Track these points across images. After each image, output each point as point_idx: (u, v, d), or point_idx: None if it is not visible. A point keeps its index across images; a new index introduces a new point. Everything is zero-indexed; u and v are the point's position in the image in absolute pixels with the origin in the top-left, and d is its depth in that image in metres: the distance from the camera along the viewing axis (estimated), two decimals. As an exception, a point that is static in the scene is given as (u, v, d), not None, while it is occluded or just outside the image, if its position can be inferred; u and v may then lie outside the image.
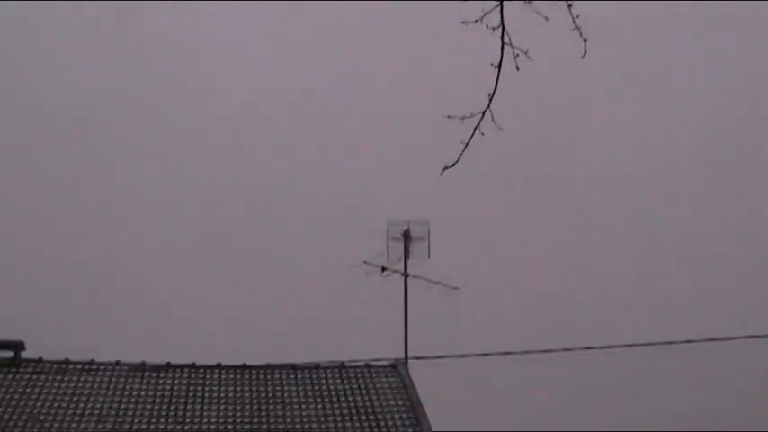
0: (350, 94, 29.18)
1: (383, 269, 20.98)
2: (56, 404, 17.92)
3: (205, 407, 18.21)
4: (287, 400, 18.55)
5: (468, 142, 6.85)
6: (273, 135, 29.72)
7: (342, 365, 19.84)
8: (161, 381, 19.04)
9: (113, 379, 18.91)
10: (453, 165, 7.00)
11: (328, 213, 28.45)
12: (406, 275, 20.98)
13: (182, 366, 19.54)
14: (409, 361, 20.09)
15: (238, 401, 18.47)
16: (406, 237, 21.18)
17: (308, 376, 19.51)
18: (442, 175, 7.08)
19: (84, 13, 27.72)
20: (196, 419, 17.82)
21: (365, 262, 20.88)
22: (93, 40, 29.61)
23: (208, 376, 19.31)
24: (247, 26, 30.82)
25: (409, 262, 21.14)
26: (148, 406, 18.09)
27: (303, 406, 18.39)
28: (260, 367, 19.66)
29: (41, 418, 17.47)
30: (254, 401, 18.51)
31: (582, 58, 6.96)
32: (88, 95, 29.15)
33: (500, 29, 6.72)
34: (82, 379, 18.80)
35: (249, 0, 27.31)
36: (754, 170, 29.58)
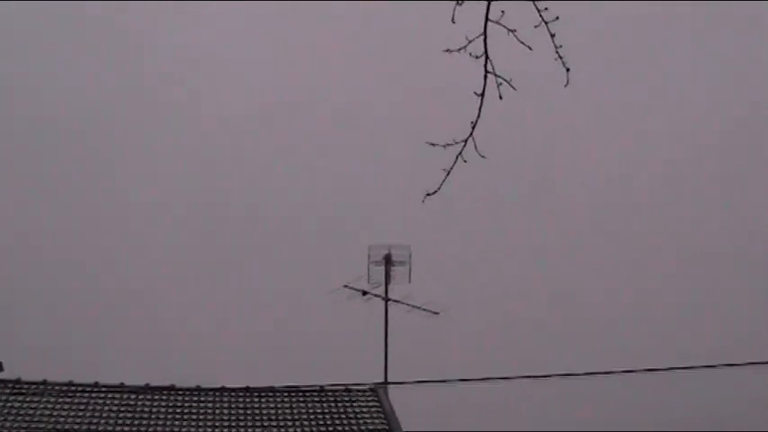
0: (333, 119, 29.25)
1: (364, 293, 21.01)
2: (33, 426, 17.80)
3: (183, 429, 18.13)
4: (266, 424, 18.49)
5: (451, 170, 6.88)
6: (255, 160, 29.72)
7: (321, 389, 19.80)
8: (140, 402, 18.96)
9: (92, 400, 18.82)
10: (435, 192, 7.03)
11: (310, 237, 28.46)
12: (386, 300, 20.99)
13: (160, 388, 19.47)
14: (389, 385, 20.07)
15: (217, 424, 18.39)
16: (388, 261, 21.21)
17: (287, 399, 19.45)
18: (423, 202, 7.10)
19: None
20: (174, 442, 17.76)
21: (346, 286, 20.91)
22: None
23: (187, 399, 19.23)
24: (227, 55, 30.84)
25: (390, 286, 21.17)
26: (126, 428, 18.00)
27: (282, 429, 18.33)
28: (239, 390, 19.60)
29: (18, 439, 17.38)
30: (233, 424, 18.44)
31: (565, 86, 7.00)
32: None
33: (483, 57, 6.76)
34: (60, 400, 18.71)
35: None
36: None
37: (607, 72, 26.89)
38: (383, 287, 21.13)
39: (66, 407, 18.49)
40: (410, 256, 21.30)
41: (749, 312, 26.56)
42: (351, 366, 21.66)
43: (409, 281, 21.29)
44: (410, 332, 21.24)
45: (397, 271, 21.29)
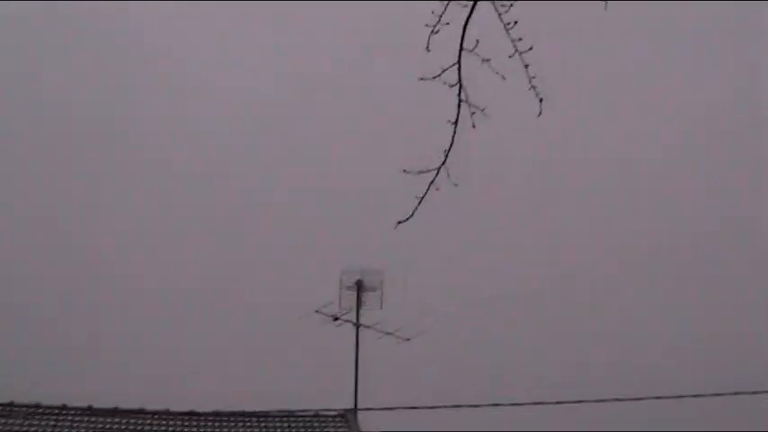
0: (308, 143, 29.27)
1: (335, 318, 20.93)
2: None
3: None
4: (235, 448, 18.44)
5: (423, 197, 6.91)
6: (227, 184, 29.65)
7: (291, 414, 19.75)
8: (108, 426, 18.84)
9: (83, 424, 18.67)
10: (407, 219, 7.05)
11: (281, 262, 28.39)
12: (357, 325, 20.93)
13: (128, 411, 19.35)
14: (359, 411, 20.02)
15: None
16: (359, 286, 21.16)
17: (256, 424, 19.39)
18: (396, 228, 7.13)
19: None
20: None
21: (317, 311, 20.83)
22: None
23: (155, 422, 19.14)
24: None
25: (361, 312, 21.11)
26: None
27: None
28: (208, 414, 19.52)
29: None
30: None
31: (538, 116, 7.05)
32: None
33: (458, 86, 6.81)
34: (51, 424, 18.56)
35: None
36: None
37: (582, 98, 26.94)
38: (355, 313, 21.07)
39: (58, 431, 18.33)
40: (382, 281, 21.28)
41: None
42: (321, 392, 21.58)
43: (381, 307, 21.25)
44: (381, 358, 21.18)
45: (368, 296, 21.25)
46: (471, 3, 6.63)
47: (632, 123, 30.64)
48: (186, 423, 19.17)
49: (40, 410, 18.96)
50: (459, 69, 6.76)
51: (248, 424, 19.37)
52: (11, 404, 18.98)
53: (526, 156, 27.71)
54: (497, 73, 6.79)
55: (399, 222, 7.08)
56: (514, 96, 7.07)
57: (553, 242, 29.58)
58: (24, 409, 18.92)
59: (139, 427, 18.87)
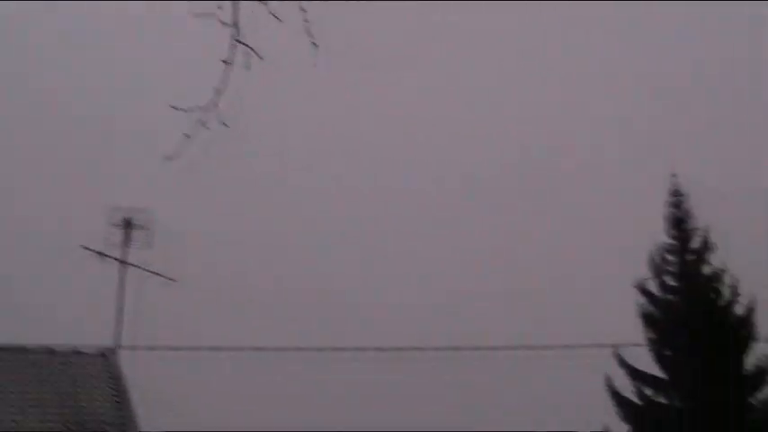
0: (81, 77, 28.72)
1: (100, 255, 20.56)
2: None
3: None
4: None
5: (191, 135, 6.88)
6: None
7: (50, 350, 19.35)
8: None
9: None
10: (174, 157, 7.01)
11: (47, 194, 27.79)
12: (123, 263, 20.64)
13: None
14: (120, 350, 19.80)
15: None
16: (128, 224, 20.84)
17: (12, 358, 18.94)
18: (162, 164, 7.09)
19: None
20: None
21: (82, 246, 20.42)
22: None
23: None
24: None
25: (130, 250, 20.81)
26: None
27: (6, 389, 17.86)
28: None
29: None
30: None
31: (314, 66, 7.12)
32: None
33: (233, 26, 6.81)
34: None
35: None
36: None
37: (363, 50, 27.20)
38: (122, 250, 20.76)
39: None
40: (153, 221, 21.01)
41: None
42: (83, 329, 21.28)
43: (150, 246, 21.00)
44: (146, 298, 20.99)
45: (137, 235, 20.96)
46: None
47: (416, 81, 31.21)
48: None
49: None
50: (234, 9, 6.75)
51: (4, 358, 18.90)
52: None
53: (299, 100, 27.88)
54: (274, 15, 6.82)
55: (166, 158, 7.04)
56: (293, 42, 7.12)
57: (321, 182, 30.02)
58: None
59: None
